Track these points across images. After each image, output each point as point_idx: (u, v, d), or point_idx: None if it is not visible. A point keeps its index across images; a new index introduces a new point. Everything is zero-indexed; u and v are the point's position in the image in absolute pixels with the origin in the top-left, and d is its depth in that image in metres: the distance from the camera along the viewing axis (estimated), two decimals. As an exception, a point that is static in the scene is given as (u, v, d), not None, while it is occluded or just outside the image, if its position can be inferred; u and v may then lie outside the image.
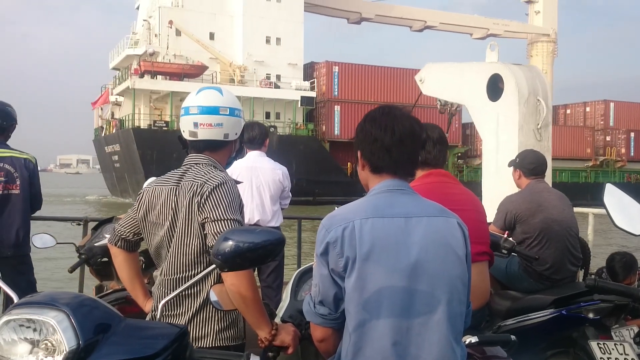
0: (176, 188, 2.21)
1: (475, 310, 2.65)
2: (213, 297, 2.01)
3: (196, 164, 2.26)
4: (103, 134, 42.59)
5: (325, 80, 40.84)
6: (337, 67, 40.84)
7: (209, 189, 2.14)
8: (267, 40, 40.63)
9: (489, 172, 6.80)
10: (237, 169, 4.39)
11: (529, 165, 3.96)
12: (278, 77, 40.56)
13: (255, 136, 4.57)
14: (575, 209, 4.15)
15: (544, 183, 4.02)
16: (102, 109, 44.76)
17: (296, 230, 6.30)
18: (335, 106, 40.13)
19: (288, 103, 39.79)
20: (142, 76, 36.82)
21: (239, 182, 2.35)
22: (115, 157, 39.74)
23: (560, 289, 3.45)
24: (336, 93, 40.32)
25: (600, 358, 3.00)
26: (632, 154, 47.24)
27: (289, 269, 5.09)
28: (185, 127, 2.28)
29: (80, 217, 5.33)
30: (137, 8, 46.62)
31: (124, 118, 38.58)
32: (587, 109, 50.18)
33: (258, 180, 4.54)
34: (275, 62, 40.37)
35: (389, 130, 1.79)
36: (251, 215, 4.49)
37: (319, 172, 36.56)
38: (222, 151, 2.33)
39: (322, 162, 37.66)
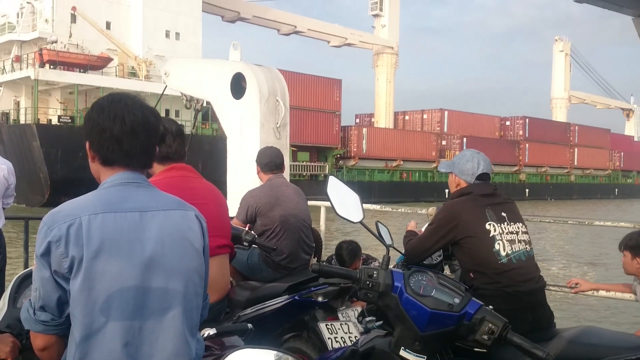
0: None
1: (214, 303, 2.69)
2: None
3: None
4: None
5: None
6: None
7: None
8: (167, 34, 37.99)
9: (234, 168, 6.96)
10: None
11: (264, 160, 4.18)
12: (177, 73, 37.37)
13: None
14: (309, 202, 4.49)
15: (282, 178, 4.27)
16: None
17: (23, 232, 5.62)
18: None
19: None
20: (42, 65, 31.60)
21: None
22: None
23: (295, 277, 3.69)
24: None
25: (328, 338, 3.29)
26: (464, 157, 54.53)
27: (15, 275, 4.52)
28: None
29: None
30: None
31: (9, 111, 34.35)
32: (425, 116, 56.59)
33: None
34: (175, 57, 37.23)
35: (119, 119, 1.67)
36: None
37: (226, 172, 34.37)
38: None
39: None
